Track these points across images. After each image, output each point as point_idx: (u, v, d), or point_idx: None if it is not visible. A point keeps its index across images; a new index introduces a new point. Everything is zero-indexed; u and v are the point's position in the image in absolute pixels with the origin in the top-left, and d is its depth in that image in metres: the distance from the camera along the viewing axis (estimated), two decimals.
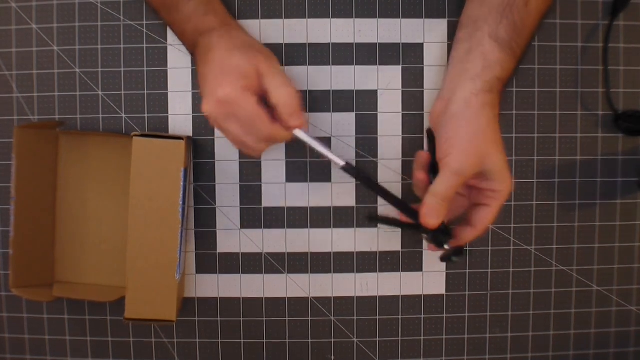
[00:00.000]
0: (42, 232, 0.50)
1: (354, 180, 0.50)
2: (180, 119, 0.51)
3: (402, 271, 0.52)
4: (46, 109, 0.51)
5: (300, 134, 0.43)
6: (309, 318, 0.52)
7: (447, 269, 0.52)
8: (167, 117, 0.51)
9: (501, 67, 0.43)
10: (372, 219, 0.46)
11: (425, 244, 0.52)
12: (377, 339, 0.53)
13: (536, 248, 0.52)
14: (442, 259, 0.45)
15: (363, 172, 0.48)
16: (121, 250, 0.47)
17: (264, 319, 0.52)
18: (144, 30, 0.51)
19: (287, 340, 0.52)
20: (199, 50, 0.45)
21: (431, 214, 0.43)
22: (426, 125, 0.51)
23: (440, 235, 0.44)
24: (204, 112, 0.42)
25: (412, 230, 0.46)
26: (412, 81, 0.51)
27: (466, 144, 0.42)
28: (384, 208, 0.51)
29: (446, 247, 0.44)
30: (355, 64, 0.51)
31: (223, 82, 0.41)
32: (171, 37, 0.51)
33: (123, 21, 0.51)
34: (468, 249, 0.52)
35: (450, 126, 0.43)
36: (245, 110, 0.41)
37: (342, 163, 0.44)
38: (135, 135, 0.45)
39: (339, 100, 0.51)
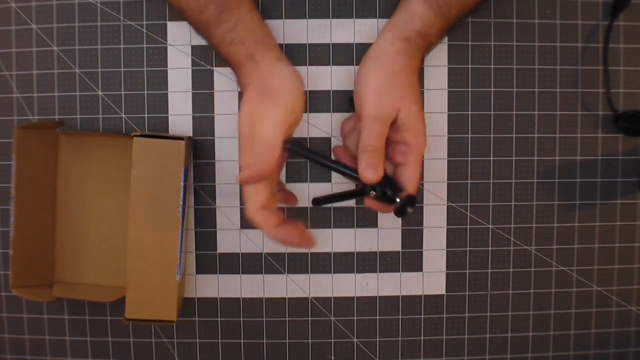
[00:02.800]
0: (42, 232, 0.50)
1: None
2: (180, 119, 0.51)
3: (402, 271, 0.52)
4: (46, 109, 0.51)
5: None
6: (309, 318, 0.52)
7: (447, 270, 0.52)
8: (167, 117, 0.51)
9: (422, 21, 0.43)
10: (316, 203, 0.44)
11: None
12: (377, 339, 0.53)
13: (536, 248, 0.52)
14: (397, 213, 0.43)
15: (304, 147, 0.47)
16: (121, 250, 0.47)
17: (264, 319, 0.52)
18: (144, 30, 0.51)
19: (287, 341, 0.52)
20: (238, 81, 0.46)
21: (368, 168, 0.42)
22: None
23: (387, 189, 0.43)
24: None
25: (359, 195, 0.45)
26: None
27: (379, 86, 0.42)
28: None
29: (397, 200, 0.43)
30: (355, 64, 0.51)
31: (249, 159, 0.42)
32: (171, 37, 0.51)
33: (123, 21, 0.51)
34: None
35: (363, 71, 0.43)
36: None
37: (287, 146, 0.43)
38: (136, 136, 0.45)
39: (339, 100, 0.51)
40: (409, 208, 0.42)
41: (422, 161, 0.46)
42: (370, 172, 0.42)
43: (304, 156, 0.46)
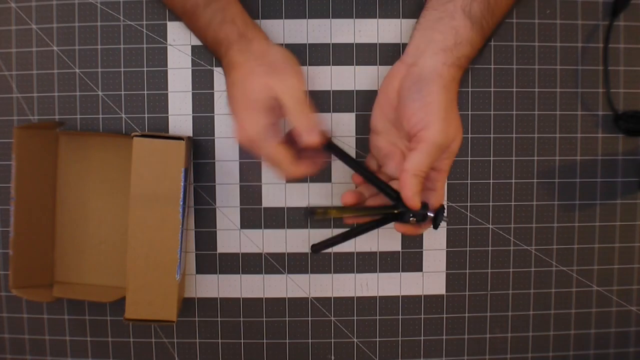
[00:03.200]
0: (42, 232, 0.50)
1: (353, 181, 0.50)
2: (180, 119, 0.51)
3: (402, 271, 0.52)
4: (46, 109, 0.51)
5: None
6: (309, 318, 0.52)
7: (447, 270, 0.52)
8: (167, 117, 0.51)
9: (471, 46, 0.42)
10: (316, 249, 0.46)
11: (422, 241, 0.52)
12: (377, 339, 0.53)
13: (536, 248, 0.52)
14: (436, 226, 0.43)
15: (342, 150, 0.47)
16: (121, 250, 0.47)
17: (264, 319, 0.52)
18: (144, 30, 0.51)
19: (287, 341, 0.52)
20: (224, 63, 0.46)
21: (416, 195, 0.41)
22: None
23: (424, 210, 0.43)
24: (237, 141, 0.44)
25: (391, 221, 0.45)
26: None
27: (444, 113, 0.41)
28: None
29: (430, 214, 0.43)
30: (356, 64, 0.51)
31: (245, 120, 0.43)
32: (171, 37, 0.51)
33: (123, 21, 0.51)
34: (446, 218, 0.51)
35: (425, 92, 0.41)
36: (266, 152, 0.43)
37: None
38: (136, 136, 0.45)
39: (339, 100, 0.51)
40: (444, 218, 0.43)
41: None
42: (417, 200, 0.41)
43: (341, 158, 0.46)
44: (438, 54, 0.42)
